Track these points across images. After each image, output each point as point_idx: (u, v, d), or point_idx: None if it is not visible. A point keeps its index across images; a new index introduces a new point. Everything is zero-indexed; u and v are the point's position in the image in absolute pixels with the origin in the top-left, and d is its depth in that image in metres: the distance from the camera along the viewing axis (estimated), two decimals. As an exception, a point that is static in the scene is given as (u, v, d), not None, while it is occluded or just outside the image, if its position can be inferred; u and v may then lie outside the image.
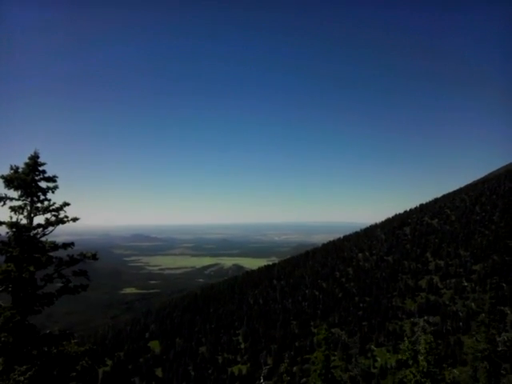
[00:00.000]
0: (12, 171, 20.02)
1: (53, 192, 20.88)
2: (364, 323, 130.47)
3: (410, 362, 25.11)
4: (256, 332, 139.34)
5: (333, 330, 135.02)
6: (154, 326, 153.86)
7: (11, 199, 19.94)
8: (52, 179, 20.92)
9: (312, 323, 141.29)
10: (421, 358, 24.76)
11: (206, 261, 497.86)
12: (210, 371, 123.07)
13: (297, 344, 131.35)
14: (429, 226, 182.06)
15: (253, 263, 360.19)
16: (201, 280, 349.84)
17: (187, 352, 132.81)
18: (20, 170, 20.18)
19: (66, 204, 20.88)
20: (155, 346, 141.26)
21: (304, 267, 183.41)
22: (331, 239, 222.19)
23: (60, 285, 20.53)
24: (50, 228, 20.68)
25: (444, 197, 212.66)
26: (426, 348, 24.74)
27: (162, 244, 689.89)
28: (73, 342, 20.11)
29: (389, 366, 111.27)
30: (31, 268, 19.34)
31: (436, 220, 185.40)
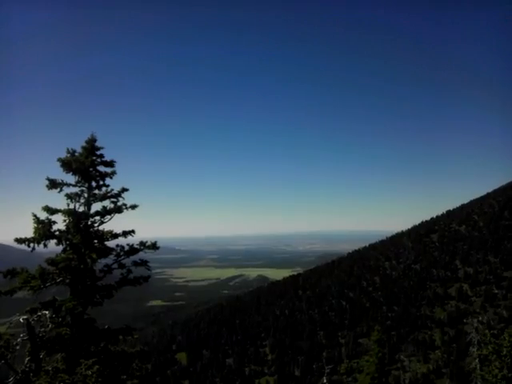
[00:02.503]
0: (69, 154, 19.08)
1: (111, 178, 19.89)
2: (393, 333, 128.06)
3: (493, 357, 23.13)
4: (283, 343, 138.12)
5: (360, 340, 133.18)
6: (181, 337, 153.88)
7: (68, 185, 19.02)
8: (110, 164, 19.96)
9: (339, 333, 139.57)
10: (504, 351, 22.74)
11: (231, 272, 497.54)
12: (237, 383, 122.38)
13: (324, 354, 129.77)
14: (457, 233, 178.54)
15: (277, 274, 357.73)
16: (226, 291, 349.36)
17: (214, 364, 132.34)
18: (76, 154, 19.17)
19: (125, 190, 19.76)
20: (182, 357, 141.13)
21: (330, 277, 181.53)
22: (356, 248, 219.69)
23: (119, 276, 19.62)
24: (108, 217, 19.69)
25: (471, 202, 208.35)
26: (511, 341, 22.73)
27: (186, 256, 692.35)
28: (134, 337, 19.35)
29: (419, 376, 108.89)
30: (94, 255, 18.32)
31: (464, 226, 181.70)
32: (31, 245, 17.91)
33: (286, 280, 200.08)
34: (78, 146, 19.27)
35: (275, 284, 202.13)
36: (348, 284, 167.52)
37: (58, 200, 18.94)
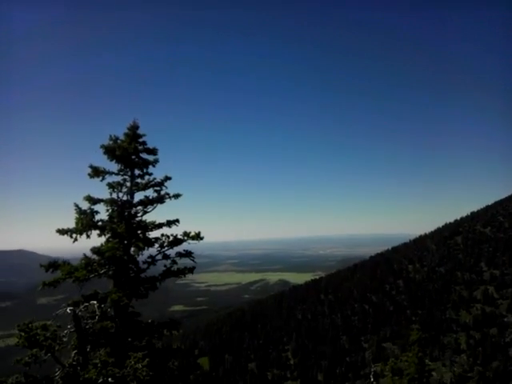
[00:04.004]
0: (111, 141, 18.56)
1: (153, 166, 19.34)
2: (409, 341, 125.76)
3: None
4: (305, 348, 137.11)
5: (384, 345, 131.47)
6: (203, 342, 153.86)
7: (110, 173, 18.64)
8: (153, 151, 19.36)
9: (363, 338, 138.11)
10: None
11: (251, 277, 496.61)
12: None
13: (348, 359, 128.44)
14: (481, 235, 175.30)
15: (298, 278, 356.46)
16: (247, 296, 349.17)
17: (236, 368, 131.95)
18: (119, 141, 18.67)
19: (168, 178, 19.25)
20: (204, 362, 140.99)
21: (352, 280, 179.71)
22: (378, 251, 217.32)
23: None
24: (151, 206, 19.24)
25: (496, 204, 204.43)
26: None
27: (206, 261, 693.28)
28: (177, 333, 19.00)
29: (445, 381, 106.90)
30: (140, 244, 17.94)
31: (489, 228, 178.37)
32: (73, 235, 17.57)
33: (307, 284, 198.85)
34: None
35: (297, 288, 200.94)
36: (371, 288, 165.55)
37: (98, 191, 18.70)
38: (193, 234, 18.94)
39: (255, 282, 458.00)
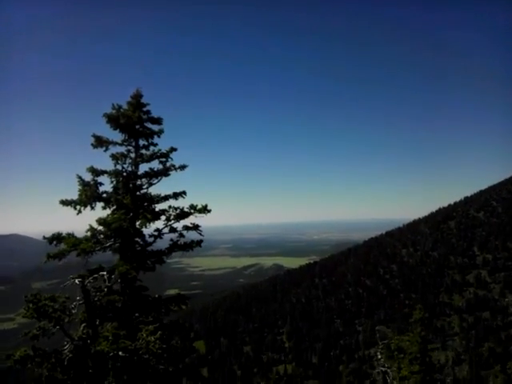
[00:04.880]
0: (114, 110, 17.83)
1: (158, 136, 18.61)
2: (411, 320, 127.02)
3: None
4: (300, 331, 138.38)
5: (378, 328, 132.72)
6: (199, 326, 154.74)
7: (114, 144, 18.02)
8: (157, 121, 18.64)
9: (357, 321, 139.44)
10: None
11: (246, 261, 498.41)
12: (255, 370, 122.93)
13: (342, 342, 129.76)
14: (475, 219, 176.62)
15: (293, 262, 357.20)
16: (241, 280, 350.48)
17: (232, 352, 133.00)
18: (122, 110, 17.84)
19: (173, 149, 18.57)
20: (200, 346, 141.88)
21: (346, 265, 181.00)
22: (372, 236, 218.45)
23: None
24: (156, 179, 18.58)
25: (490, 188, 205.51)
26: None
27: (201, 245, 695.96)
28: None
29: (438, 365, 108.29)
30: (149, 216, 17.35)
31: (482, 213, 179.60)
32: (77, 207, 17.10)
33: (302, 268, 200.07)
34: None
35: (291, 272, 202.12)
36: (364, 272, 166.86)
37: (98, 163, 17.98)
38: (200, 206, 18.28)
39: (250, 266, 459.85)
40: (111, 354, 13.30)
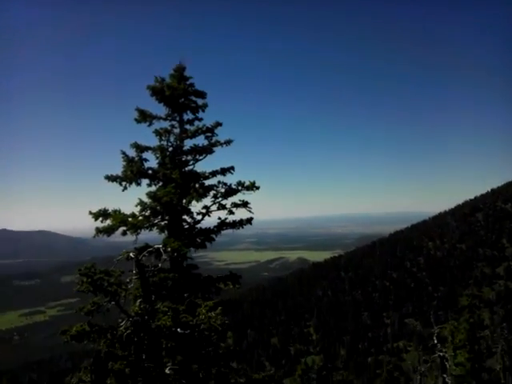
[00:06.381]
0: (157, 83, 17.31)
1: (203, 111, 18.01)
2: (440, 313, 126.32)
3: None
4: (327, 323, 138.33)
5: (406, 321, 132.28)
6: (226, 317, 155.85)
7: (158, 118, 17.57)
8: (201, 94, 18.01)
9: (384, 314, 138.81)
10: None
11: (270, 255, 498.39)
12: (283, 362, 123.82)
13: (370, 335, 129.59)
14: (503, 211, 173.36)
15: (317, 256, 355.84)
16: (266, 274, 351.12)
17: (259, 343, 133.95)
18: (165, 82, 17.35)
19: (219, 124, 17.88)
20: (228, 337, 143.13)
21: (372, 258, 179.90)
22: (397, 229, 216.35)
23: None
24: (201, 155, 18.14)
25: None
26: None
27: (225, 240, 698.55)
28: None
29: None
30: (200, 190, 17.11)
31: (509, 204, 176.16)
32: (122, 183, 16.79)
33: (327, 261, 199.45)
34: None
35: (316, 265, 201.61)
36: (391, 264, 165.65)
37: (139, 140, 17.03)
38: (248, 183, 17.64)
39: (274, 260, 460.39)
40: (172, 329, 13.04)
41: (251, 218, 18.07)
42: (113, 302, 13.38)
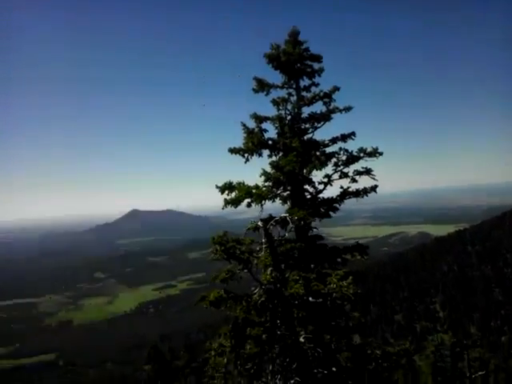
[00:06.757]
0: (273, 50, 17.13)
1: (319, 75, 17.44)
2: None
3: None
4: (454, 300, 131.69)
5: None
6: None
7: (275, 87, 17.44)
8: (317, 58, 17.38)
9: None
10: None
11: (388, 230, 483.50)
12: (409, 338, 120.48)
13: (503, 312, 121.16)
14: None
15: (439, 230, 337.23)
16: (385, 249, 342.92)
17: (382, 319, 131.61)
18: (281, 48, 17.12)
19: (336, 88, 17.15)
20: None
21: (502, 230, 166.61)
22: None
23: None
24: (319, 123, 17.68)
25: None
26: None
27: (341, 215, 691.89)
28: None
29: None
30: (322, 158, 16.91)
31: None
32: (245, 155, 16.94)
33: (450, 235, 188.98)
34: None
35: (439, 240, 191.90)
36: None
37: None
38: (370, 149, 16.89)
39: (393, 234, 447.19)
40: (304, 297, 13.18)
41: (376, 186, 17.23)
42: (245, 270, 13.86)
